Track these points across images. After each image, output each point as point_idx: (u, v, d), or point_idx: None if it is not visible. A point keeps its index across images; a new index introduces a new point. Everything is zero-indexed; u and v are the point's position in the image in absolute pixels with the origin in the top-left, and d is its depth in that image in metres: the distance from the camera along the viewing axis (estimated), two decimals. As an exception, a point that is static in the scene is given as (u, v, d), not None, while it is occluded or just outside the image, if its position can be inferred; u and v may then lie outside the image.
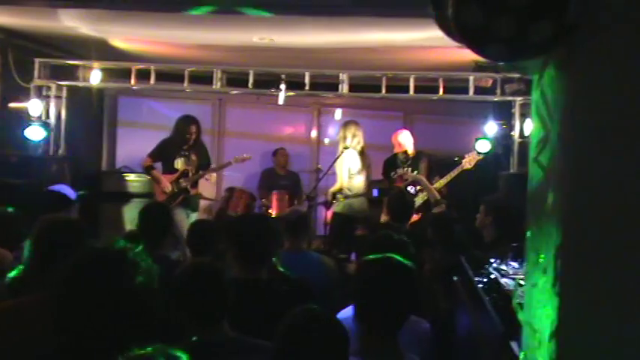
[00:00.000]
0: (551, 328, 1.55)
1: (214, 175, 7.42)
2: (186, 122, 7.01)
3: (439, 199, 6.20)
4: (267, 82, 6.98)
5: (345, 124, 7.11)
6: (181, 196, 6.96)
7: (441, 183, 6.57)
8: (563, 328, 1.53)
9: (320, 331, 2.05)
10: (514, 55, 1.61)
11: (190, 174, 7.02)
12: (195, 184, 7.17)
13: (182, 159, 7.01)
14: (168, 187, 6.91)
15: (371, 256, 2.58)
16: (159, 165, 7.15)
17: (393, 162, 7.01)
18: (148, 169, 7.11)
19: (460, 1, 1.52)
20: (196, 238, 4.08)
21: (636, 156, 1.52)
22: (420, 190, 6.60)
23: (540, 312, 1.63)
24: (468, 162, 6.63)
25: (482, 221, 4.62)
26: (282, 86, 6.77)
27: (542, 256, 1.62)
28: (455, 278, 3.54)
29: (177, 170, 6.99)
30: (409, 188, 6.60)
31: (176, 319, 2.42)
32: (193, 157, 7.05)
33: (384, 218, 6.70)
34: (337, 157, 6.88)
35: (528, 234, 1.75)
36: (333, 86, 6.97)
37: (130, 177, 8.23)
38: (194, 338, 2.43)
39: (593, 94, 1.52)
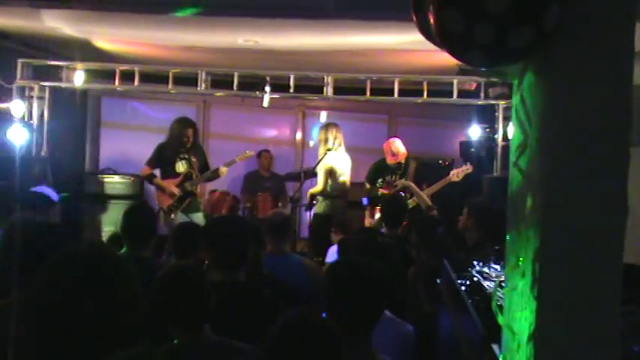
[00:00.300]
0: (529, 331, 1.57)
1: (225, 169, 7.27)
2: (183, 125, 6.94)
3: (430, 205, 6.20)
4: (252, 84, 6.97)
5: (327, 127, 7.07)
6: (188, 199, 6.90)
7: (427, 192, 6.58)
8: (541, 330, 1.54)
9: (314, 334, 2.05)
10: (494, 61, 1.63)
11: (194, 176, 6.97)
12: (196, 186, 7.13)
13: (183, 162, 6.93)
14: (177, 191, 6.83)
15: (340, 259, 2.60)
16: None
17: (381, 168, 6.98)
18: (149, 178, 6.99)
19: (440, 7, 1.53)
20: (180, 241, 4.06)
21: (613, 160, 1.55)
22: (408, 197, 6.60)
23: (519, 315, 1.65)
24: (456, 174, 6.62)
25: (464, 223, 4.64)
26: (267, 88, 6.76)
27: (521, 259, 1.64)
28: (438, 281, 3.56)
29: (178, 174, 6.91)
30: None
31: (158, 322, 2.41)
32: (193, 159, 6.98)
33: (368, 222, 6.73)
34: (321, 159, 6.87)
35: (508, 237, 1.77)
36: (317, 89, 6.99)
37: (114, 178, 8.17)
38: (175, 341, 2.42)
39: (570, 98, 1.54)
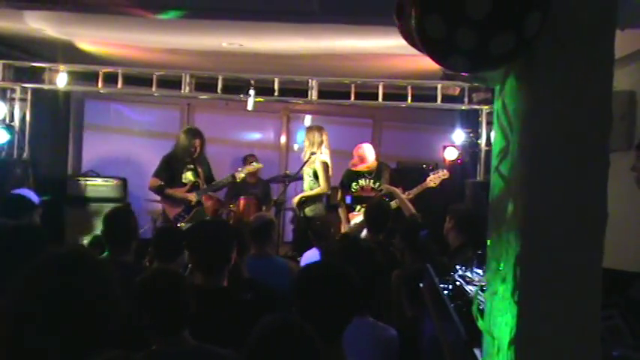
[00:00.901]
0: (510, 336, 1.57)
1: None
2: (191, 135, 6.83)
3: (414, 213, 6.16)
4: (236, 87, 6.95)
5: (320, 129, 7.01)
6: (195, 209, 6.81)
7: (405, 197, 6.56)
8: (521, 335, 1.55)
9: (293, 339, 2.03)
10: (475, 66, 1.63)
11: (201, 186, 6.88)
12: None
13: (190, 172, 6.84)
14: (193, 197, 6.75)
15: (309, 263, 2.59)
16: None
17: (355, 173, 6.94)
18: (159, 189, 6.79)
19: (422, 13, 1.53)
20: (162, 246, 4.02)
21: (594, 166, 1.55)
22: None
23: (500, 320, 1.65)
24: (433, 180, 6.57)
25: (447, 227, 4.64)
26: (252, 92, 6.73)
27: (502, 264, 1.64)
28: (421, 285, 3.56)
29: (184, 184, 6.81)
30: None
31: (136, 327, 2.39)
32: (200, 170, 6.90)
33: (345, 226, 6.71)
34: (307, 162, 6.84)
35: (489, 242, 1.77)
36: (302, 92, 6.97)
37: (97, 181, 8.11)
38: (154, 347, 2.40)
39: (551, 104, 1.55)
